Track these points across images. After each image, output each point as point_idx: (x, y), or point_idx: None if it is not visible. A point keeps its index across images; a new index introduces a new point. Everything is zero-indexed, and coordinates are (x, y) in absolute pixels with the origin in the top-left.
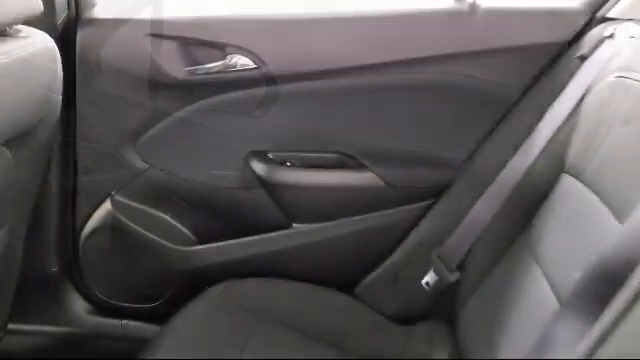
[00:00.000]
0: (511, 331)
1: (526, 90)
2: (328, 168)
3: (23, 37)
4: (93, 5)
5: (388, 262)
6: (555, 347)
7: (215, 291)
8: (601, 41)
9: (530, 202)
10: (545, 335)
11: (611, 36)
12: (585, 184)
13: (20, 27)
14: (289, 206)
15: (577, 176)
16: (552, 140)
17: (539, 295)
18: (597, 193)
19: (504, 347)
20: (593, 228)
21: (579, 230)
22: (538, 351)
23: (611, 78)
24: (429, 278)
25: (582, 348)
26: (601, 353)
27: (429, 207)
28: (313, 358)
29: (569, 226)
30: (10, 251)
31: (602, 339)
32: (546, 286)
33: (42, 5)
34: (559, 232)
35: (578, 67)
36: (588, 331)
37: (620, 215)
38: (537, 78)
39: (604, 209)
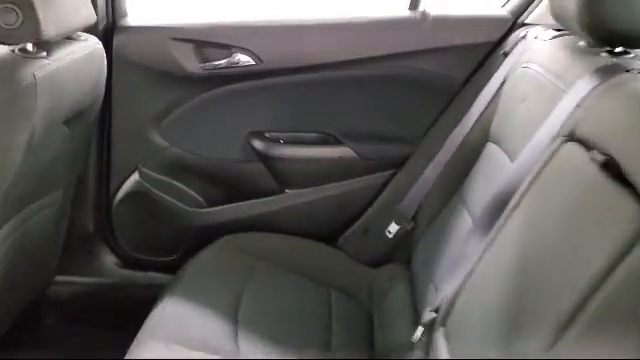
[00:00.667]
0: (443, 260)
1: (466, 80)
2: (313, 144)
3: (83, 40)
4: (126, 15)
5: (361, 219)
6: (464, 258)
7: (222, 242)
8: (518, 41)
9: (464, 165)
10: (460, 251)
11: (524, 37)
12: (501, 148)
13: (80, 33)
14: (282, 175)
15: (497, 143)
16: (480, 117)
17: (464, 230)
18: (506, 152)
19: (437, 273)
20: (501, 176)
21: (493, 180)
22: (454, 264)
23: (520, 68)
24: (391, 228)
25: (477, 253)
26: (488, 257)
27: (393, 174)
28: (302, 293)
29: (489, 178)
30: (61, 210)
31: (488, 246)
32: (470, 222)
33: (95, 16)
34: (482, 184)
35: (502, 61)
36: (483, 242)
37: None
38: (474, 70)
39: (510, 164)
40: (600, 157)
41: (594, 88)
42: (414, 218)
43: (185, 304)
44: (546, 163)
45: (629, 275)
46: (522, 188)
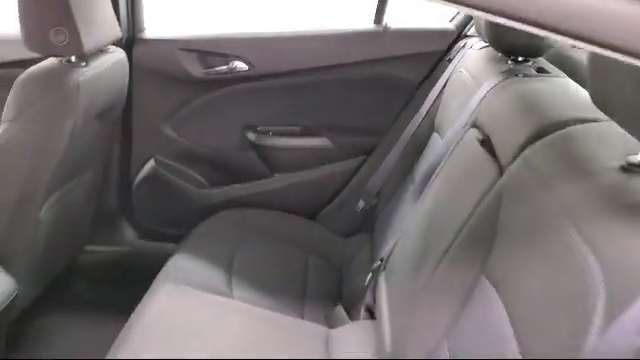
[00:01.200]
0: (394, 224)
1: (420, 82)
2: (297, 136)
3: (111, 52)
4: (144, 29)
5: (337, 198)
6: (404, 218)
7: (220, 216)
8: (459, 50)
9: (415, 152)
10: (403, 214)
11: (463, 46)
12: (439, 135)
13: (109, 46)
14: (271, 161)
15: (438, 132)
16: (428, 112)
17: (409, 201)
18: (441, 138)
19: (388, 235)
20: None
21: (435, 161)
22: (398, 224)
23: (457, 72)
24: (360, 204)
25: (411, 212)
26: (415, 213)
27: (363, 161)
28: (284, 256)
29: (429, 160)
30: (92, 189)
31: (417, 206)
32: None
33: (120, 32)
34: (426, 165)
35: (447, 66)
36: (418, 200)
37: None
38: (427, 74)
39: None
40: (480, 136)
41: (492, 88)
42: (377, 195)
43: (189, 260)
44: (457, 143)
45: (481, 215)
46: (442, 162)
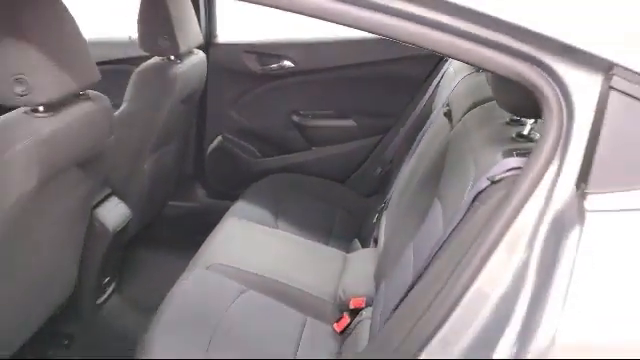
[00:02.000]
0: (397, 182)
1: (426, 77)
2: (330, 118)
3: (195, 53)
4: (217, 36)
5: (361, 167)
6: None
7: (268, 179)
8: None
9: (418, 130)
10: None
11: None
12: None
13: (194, 49)
14: (310, 137)
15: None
16: (428, 100)
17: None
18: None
19: (394, 189)
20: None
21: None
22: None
23: (448, 69)
24: (378, 170)
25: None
26: (410, 163)
27: (381, 138)
28: (317, 210)
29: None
30: (176, 156)
31: (412, 159)
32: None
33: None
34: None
35: (443, 65)
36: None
37: None
38: (431, 71)
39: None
40: (446, 109)
41: (462, 79)
42: (391, 162)
43: (247, 205)
44: (437, 117)
45: (436, 159)
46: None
